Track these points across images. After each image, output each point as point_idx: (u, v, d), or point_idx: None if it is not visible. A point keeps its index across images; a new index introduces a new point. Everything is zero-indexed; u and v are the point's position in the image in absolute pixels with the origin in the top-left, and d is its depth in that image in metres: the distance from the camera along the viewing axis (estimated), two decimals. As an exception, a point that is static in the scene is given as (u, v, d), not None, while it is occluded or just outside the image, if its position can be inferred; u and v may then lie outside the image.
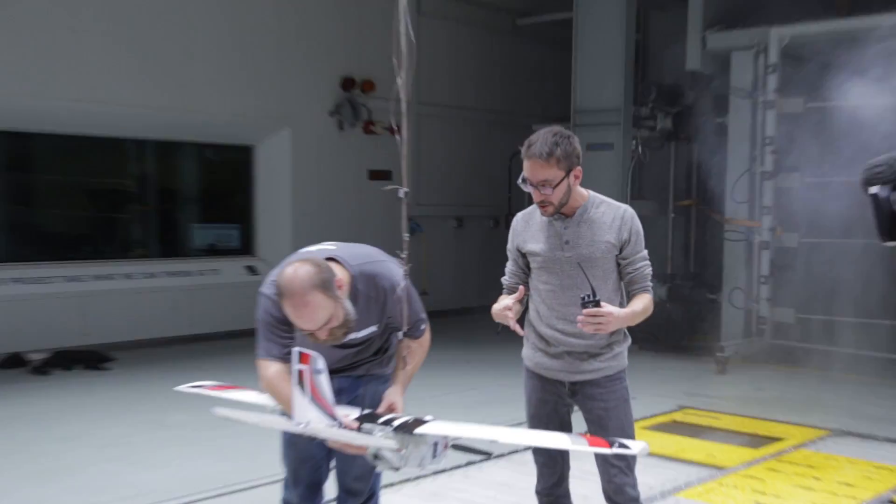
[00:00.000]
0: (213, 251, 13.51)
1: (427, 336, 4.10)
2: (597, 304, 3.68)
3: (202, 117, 12.30)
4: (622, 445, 3.39)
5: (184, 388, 4.32)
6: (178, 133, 12.80)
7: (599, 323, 3.69)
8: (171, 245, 13.37)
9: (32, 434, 7.55)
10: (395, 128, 3.79)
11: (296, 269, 3.58)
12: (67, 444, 7.23)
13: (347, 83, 13.70)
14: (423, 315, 4.06)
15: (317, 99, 13.53)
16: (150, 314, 11.96)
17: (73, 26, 10.95)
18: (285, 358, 3.65)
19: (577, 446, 3.55)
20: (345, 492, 4.21)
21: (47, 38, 10.76)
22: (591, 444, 3.54)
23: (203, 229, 13.69)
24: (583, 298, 3.70)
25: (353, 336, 3.82)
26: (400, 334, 4.01)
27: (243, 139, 13.45)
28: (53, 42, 10.81)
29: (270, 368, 3.75)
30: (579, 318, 3.71)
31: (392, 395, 3.91)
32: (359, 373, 4.08)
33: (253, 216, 13.57)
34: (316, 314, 3.57)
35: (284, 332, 3.77)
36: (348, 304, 3.72)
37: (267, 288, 3.80)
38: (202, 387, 4.32)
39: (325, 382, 3.38)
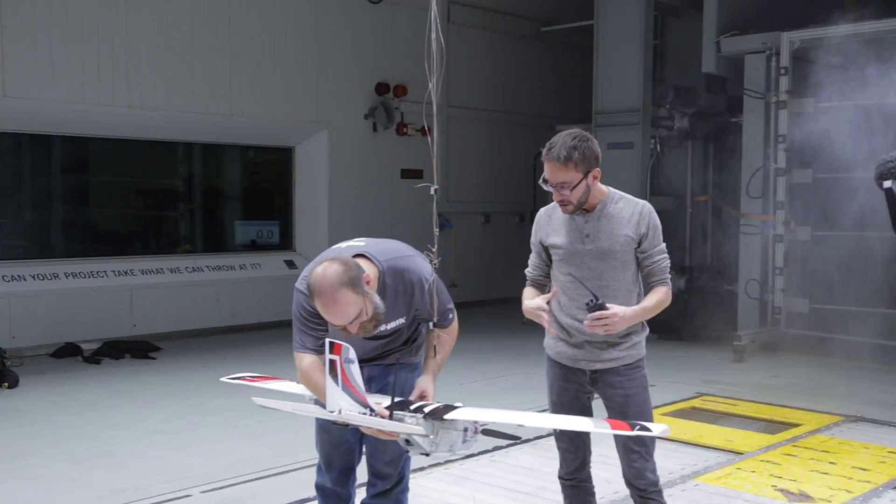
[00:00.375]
0: (254, 247, 13.52)
1: (455, 325, 4.00)
2: (601, 307, 3.64)
3: (245, 121, 12.29)
4: (643, 428, 3.36)
5: (226, 378, 4.30)
6: (222, 136, 12.82)
7: (607, 324, 3.65)
8: (215, 241, 13.37)
9: (84, 419, 7.52)
10: (427, 129, 3.72)
11: (324, 268, 3.51)
12: (116, 429, 7.19)
13: (381, 88, 13.67)
14: (451, 305, 3.97)
15: (353, 103, 13.49)
16: (195, 306, 11.95)
17: (129, 38, 11.01)
18: (319, 349, 3.64)
19: (600, 429, 3.48)
20: (375, 475, 4.15)
21: (105, 49, 10.82)
22: (614, 427, 3.49)
23: (245, 226, 13.70)
24: (587, 304, 3.67)
25: (381, 328, 3.74)
26: (430, 325, 3.90)
27: (283, 141, 13.43)
28: (110, 52, 10.87)
29: (305, 360, 3.72)
30: (586, 322, 3.67)
31: (423, 382, 3.83)
32: (388, 361, 3.99)
33: (292, 213, 13.54)
34: (345, 310, 3.50)
35: (318, 326, 3.72)
36: (377, 299, 3.63)
37: (301, 284, 3.74)
38: (243, 378, 4.28)
39: (356, 371, 3.32)
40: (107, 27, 10.82)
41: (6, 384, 8.58)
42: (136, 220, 12.97)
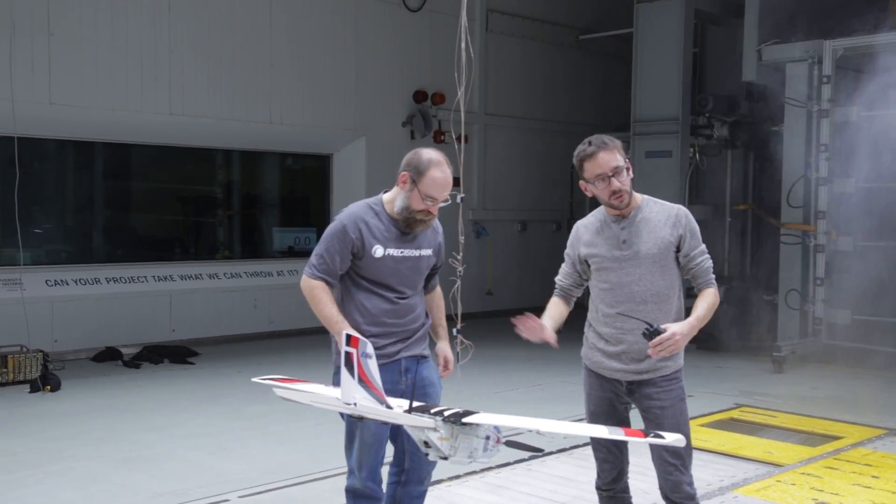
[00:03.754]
0: (291, 253, 13.57)
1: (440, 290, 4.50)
2: (657, 332, 3.64)
3: (285, 128, 12.39)
4: (657, 436, 3.32)
5: (257, 379, 4.31)
6: (261, 143, 12.93)
7: (670, 347, 3.65)
8: (253, 247, 13.49)
9: (124, 423, 7.61)
10: (454, 137, 4.00)
11: (426, 150, 4.09)
12: (155, 434, 7.25)
13: (419, 95, 13.73)
14: None
15: (391, 110, 13.55)
16: (233, 312, 12.06)
17: (172, 46, 11.16)
18: (328, 282, 4.07)
19: (614, 435, 3.48)
20: (418, 480, 4.30)
21: (148, 57, 10.98)
22: (627, 434, 3.47)
23: (283, 232, 13.79)
24: (644, 333, 3.67)
25: (415, 252, 4.15)
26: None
27: (322, 148, 13.52)
28: (153, 61, 11.03)
29: (313, 280, 4.08)
30: (650, 351, 3.67)
31: (444, 349, 4.32)
32: (415, 352, 4.17)
33: (329, 220, 13.48)
34: (451, 180, 4.06)
35: (336, 262, 4.06)
36: None
37: (346, 217, 4.13)
38: (273, 379, 4.31)
39: (373, 366, 3.30)
40: (150, 36, 10.97)
41: (48, 388, 8.70)
42: (176, 226, 13.11)
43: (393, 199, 4.17)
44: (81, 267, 11.14)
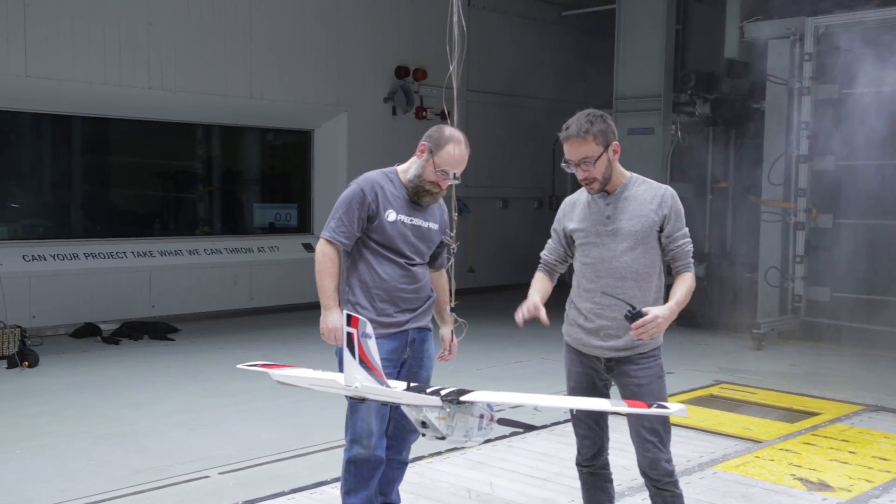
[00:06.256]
0: (272, 229, 13.56)
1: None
2: (639, 315, 3.64)
3: (265, 103, 12.31)
4: (661, 406, 3.37)
5: (242, 366, 4.29)
6: (242, 118, 12.85)
7: (652, 330, 3.65)
8: (233, 223, 13.43)
9: (103, 399, 7.57)
10: (446, 112, 4.01)
11: (451, 127, 4.30)
12: (135, 410, 7.23)
13: (401, 71, 13.66)
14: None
15: (372, 86, 13.48)
16: (213, 288, 12.01)
17: (150, 20, 11.05)
18: (345, 246, 4.24)
19: (617, 408, 3.49)
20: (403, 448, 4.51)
21: (126, 30, 10.86)
22: (631, 405, 3.50)
23: (263, 208, 13.76)
24: (626, 315, 3.67)
25: (424, 223, 4.32)
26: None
27: (303, 124, 13.45)
28: (131, 33, 10.90)
29: (329, 248, 4.23)
30: (632, 333, 3.67)
31: (447, 332, 4.52)
32: (419, 324, 4.32)
33: (310, 196, 13.57)
34: (465, 160, 4.30)
35: (355, 224, 4.20)
36: None
37: (363, 181, 4.27)
38: (257, 365, 4.29)
39: (372, 347, 3.32)
40: (128, 8, 10.85)
41: (26, 363, 8.65)
42: (156, 202, 13.03)
43: (408, 168, 4.34)
44: (59, 242, 11.05)
